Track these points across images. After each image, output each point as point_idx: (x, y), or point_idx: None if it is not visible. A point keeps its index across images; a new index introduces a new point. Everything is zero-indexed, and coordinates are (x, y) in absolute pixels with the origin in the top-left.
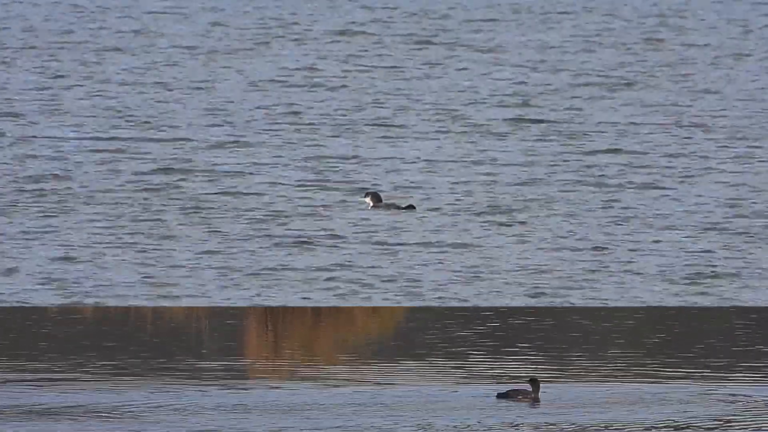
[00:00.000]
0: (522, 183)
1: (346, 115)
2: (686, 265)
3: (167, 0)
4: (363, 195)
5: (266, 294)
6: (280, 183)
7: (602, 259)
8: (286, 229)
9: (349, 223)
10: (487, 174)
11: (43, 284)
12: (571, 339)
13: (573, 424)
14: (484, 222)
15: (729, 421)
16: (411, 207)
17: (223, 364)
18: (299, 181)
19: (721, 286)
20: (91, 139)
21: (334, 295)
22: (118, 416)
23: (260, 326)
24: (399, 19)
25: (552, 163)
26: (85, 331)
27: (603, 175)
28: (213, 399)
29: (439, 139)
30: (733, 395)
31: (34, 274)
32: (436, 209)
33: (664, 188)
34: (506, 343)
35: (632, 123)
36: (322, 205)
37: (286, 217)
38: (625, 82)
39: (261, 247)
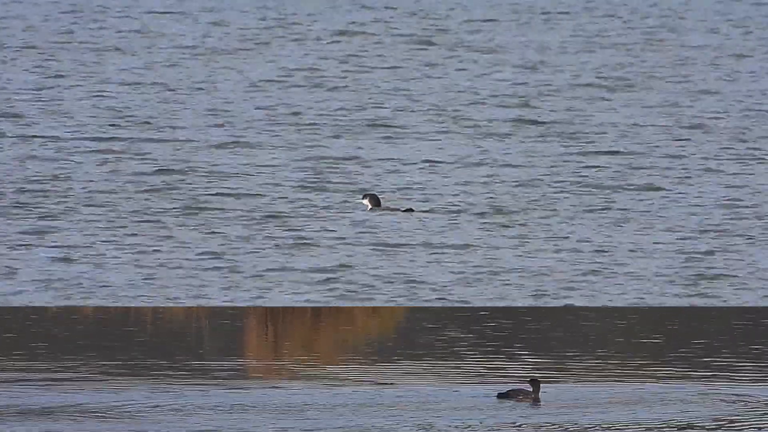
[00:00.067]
0: (522, 184)
1: (346, 116)
2: (686, 266)
3: (167, 0)
4: (361, 196)
5: (266, 294)
6: (280, 184)
7: (602, 260)
8: (285, 230)
9: (350, 223)
10: (488, 175)
11: (43, 284)
12: (571, 339)
13: (574, 424)
14: (484, 222)
15: (732, 421)
16: (410, 210)
17: (223, 364)
18: (299, 181)
19: (721, 287)
20: (91, 139)
21: (335, 296)
22: (118, 416)
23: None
24: (399, 19)
25: (552, 164)
26: (85, 331)
27: (602, 175)
28: (213, 399)
29: (440, 140)
30: (734, 395)
31: (34, 275)
32: (436, 210)
33: (663, 189)
34: (506, 343)
35: (632, 124)
36: (323, 206)
37: (287, 217)
38: (625, 82)
39: (261, 248)
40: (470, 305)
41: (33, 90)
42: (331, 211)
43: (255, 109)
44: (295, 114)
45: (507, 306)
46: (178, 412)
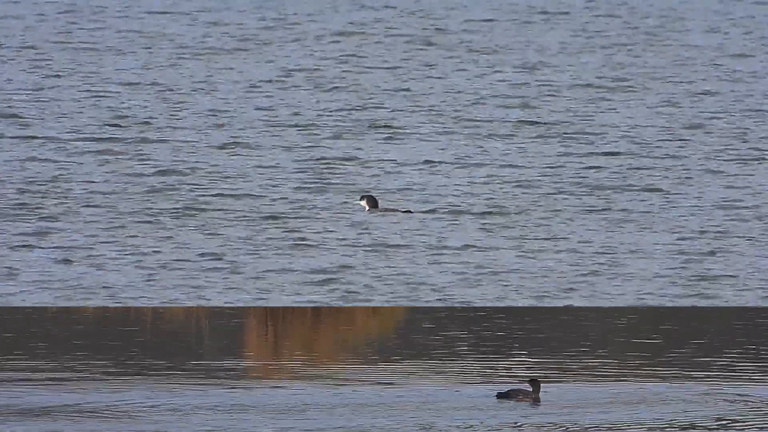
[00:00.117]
0: (522, 184)
1: (346, 116)
2: (686, 266)
3: (167, 0)
4: (359, 198)
5: (266, 295)
6: (280, 185)
7: (603, 261)
8: (285, 231)
9: (350, 224)
10: (488, 175)
11: (43, 284)
12: (571, 339)
13: (575, 424)
14: (485, 223)
15: (734, 421)
16: (408, 212)
17: (222, 364)
18: (299, 182)
19: (721, 287)
20: (90, 139)
21: (335, 297)
22: (118, 416)
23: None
24: (399, 19)
25: (552, 165)
26: (85, 331)
27: (602, 176)
28: (213, 399)
29: (440, 140)
30: (736, 395)
31: (34, 275)
32: (436, 210)
33: (664, 190)
34: (506, 343)
35: (632, 124)
36: (323, 207)
37: (287, 218)
38: (625, 82)
39: (261, 248)
40: (470, 305)
41: (32, 90)
42: (331, 211)
43: (255, 109)
44: (295, 114)
45: (507, 306)
46: (178, 412)
